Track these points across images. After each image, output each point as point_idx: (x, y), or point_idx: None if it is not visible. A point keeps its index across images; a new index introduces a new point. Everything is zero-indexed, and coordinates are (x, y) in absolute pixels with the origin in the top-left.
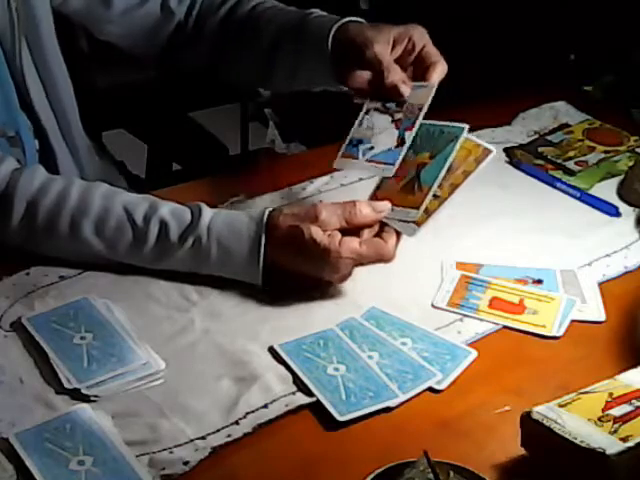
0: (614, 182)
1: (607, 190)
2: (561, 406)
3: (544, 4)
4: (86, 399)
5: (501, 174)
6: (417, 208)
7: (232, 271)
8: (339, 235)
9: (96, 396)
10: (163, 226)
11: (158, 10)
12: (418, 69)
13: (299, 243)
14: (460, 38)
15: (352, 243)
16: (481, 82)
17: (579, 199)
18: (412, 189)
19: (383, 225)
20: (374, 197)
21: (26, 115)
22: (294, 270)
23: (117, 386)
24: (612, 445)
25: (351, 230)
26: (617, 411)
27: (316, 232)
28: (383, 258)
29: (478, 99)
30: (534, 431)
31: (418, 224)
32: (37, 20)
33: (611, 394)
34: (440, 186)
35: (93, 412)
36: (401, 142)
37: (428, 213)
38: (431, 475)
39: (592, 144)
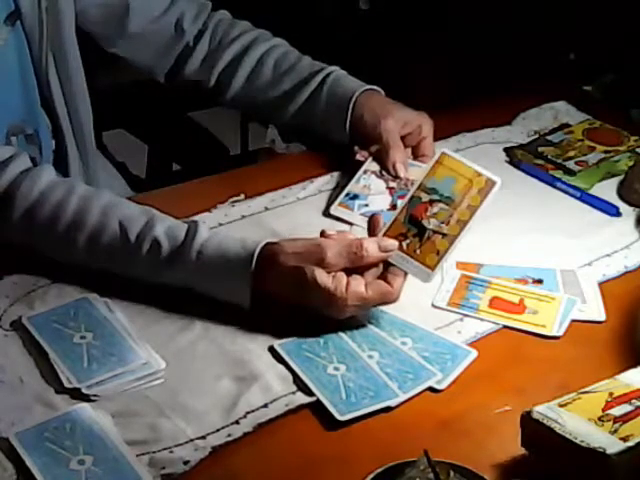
0: (614, 182)
1: (607, 190)
2: (561, 406)
3: (544, 4)
4: (86, 398)
5: (501, 174)
6: (432, 269)
7: (221, 298)
8: (345, 278)
9: (96, 395)
10: (155, 246)
11: (172, 29)
12: (415, 151)
13: (302, 285)
14: (460, 38)
15: (358, 288)
16: (481, 82)
17: (579, 199)
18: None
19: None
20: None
21: (46, 114)
22: (294, 303)
23: (117, 386)
24: (612, 445)
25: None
26: (617, 411)
27: (320, 276)
28: (388, 302)
29: (478, 99)
30: (534, 431)
31: (432, 269)
32: (62, 22)
33: (611, 394)
34: (447, 222)
35: (93, 411)
36: (393, 207)
37: (439, 255)
38: (431, 475)
39: (592, 144)
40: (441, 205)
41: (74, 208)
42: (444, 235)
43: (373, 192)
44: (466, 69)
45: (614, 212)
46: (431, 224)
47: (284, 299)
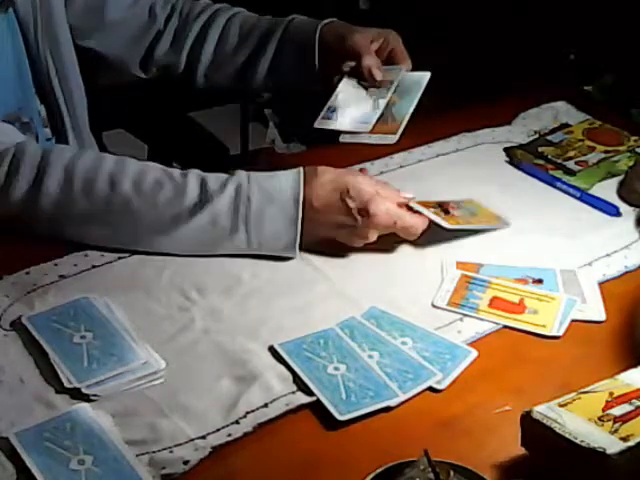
0: (614, 182)
1: (607, 190)
2: (561, 406)
3: (544, 4)
4: (86, 398)
5: (501, 174)
6: (394, 134)
7: (274, 214)
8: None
9: (96, 395)
10: (201, 179)
11: (147, 14)
12: (388, 64)
13: (342, 191)
14: (460, 38)
15: (394, 201)
16: (481, 82)
17: (579, 199)
18: (386, 122)
19: None
20: None
21: (43, 103)
22: (328, 224)
23: (117, 385)
24: (612, 445)
25: None
26: (617, 411)
27: (361, 180)
28: (413, 228)
29: (478, 99)
30: (534, 431)
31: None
32: (54, 9)
33: (611, 394)
34: (467, 219)
35: (93, 411)
36: (376, 107)
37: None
38: (431, 474)
39: (592, 144)
40: (464, 212)
41: (112, 159)
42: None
43: (353, 100)
44: (466, 69)
45: (614, 212)
46: (455, 212)
47: (325, 213)
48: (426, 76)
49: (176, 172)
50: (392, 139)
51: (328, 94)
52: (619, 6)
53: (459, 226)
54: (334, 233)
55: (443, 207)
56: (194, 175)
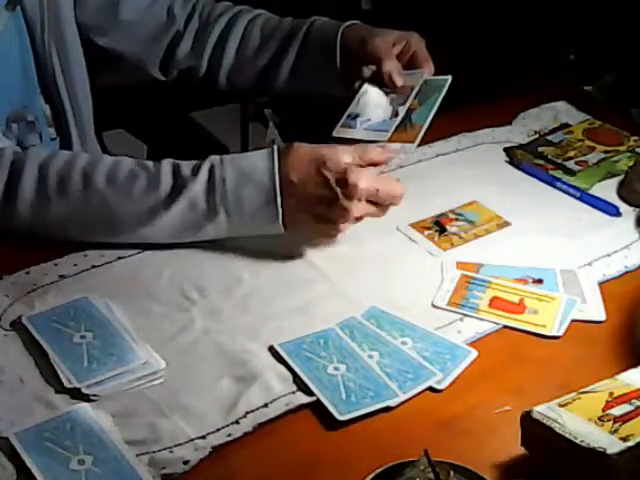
0: (614, 182)
1: (607, 190)
2: (561, 406)
3: (544, 4)
4: (86, 398)
5: (501, 174)
6: (412, 142)
7: (251, 192)
8: (357, 168)
9: (96, 395)
10: (175, 166)
11: (165, 15)
12: (410, 68)
13: (318, 167)
14: (460, 38)
15: (370, 176)
16: (481, 82)
17: (579, 199)
18: (405, 129)
19: None
20: None
21: (48, 102)
22: (308, 198)
23: (117, 385)
24: (613, 445)
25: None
26: (617, 411)
27: (336, 156)
28: (395, 195)
29: (478, 99)
30: (534, 431)
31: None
32: (62, 9)
33: (611, 394)
34: (466, 232)
35: (93, 411)
36: (395, 115)
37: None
38: (431, 474)
39: (592, 144)
40: (463, 223)
41: (86, 157)
42: (461, 238)
43: (373, 107)
44: (466, 69)
45: (614, 212)
46: (452, 229)
47: (301, 189)
48: (447, 80)
49: (149, 163)
50: (410, 148)
51: (332, 99)
52: (619, 6)
53: (453, 248)
54: (316, 210)
55: (440, 223)
56: (167, 163)
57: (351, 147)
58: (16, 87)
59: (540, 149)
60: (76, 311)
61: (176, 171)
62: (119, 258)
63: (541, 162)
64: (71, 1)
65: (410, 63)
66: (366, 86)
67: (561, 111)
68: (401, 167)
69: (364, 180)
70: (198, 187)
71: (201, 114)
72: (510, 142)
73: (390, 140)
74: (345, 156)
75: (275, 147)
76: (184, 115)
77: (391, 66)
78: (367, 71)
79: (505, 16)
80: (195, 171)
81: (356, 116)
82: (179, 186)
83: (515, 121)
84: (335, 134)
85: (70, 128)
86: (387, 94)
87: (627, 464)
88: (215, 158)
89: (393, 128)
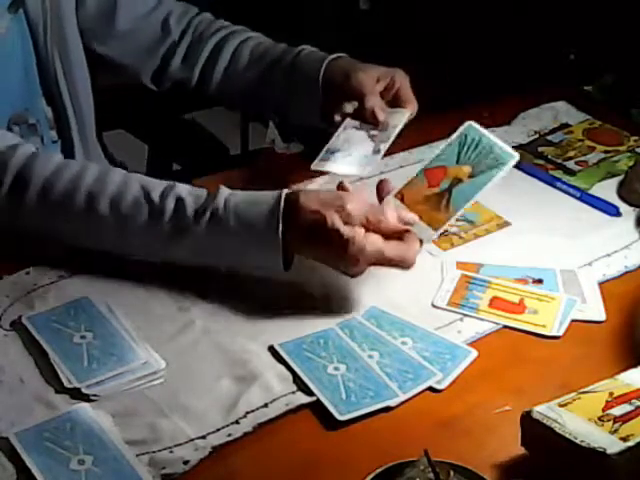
0: (614, 182)
1: (607, 190)
2: (561, 406)
3: (544, 4)
4: (86, 398)
5: None
6: (435, 230)
7: (251, 244)
8: (363, 231)
9: (96, 395)
10: (180, 202)
11: (159, 27)
12: (394, 107)
13: (321, 230)
14: (460, 38)
15: (377, 242)
16: (481, 82)
17: (579, 199)
18: (439, 204)
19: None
20: (399, 195)
21: (50, 105)
22: (312, 255)
23: (117, 385)
24: (612, 445)
25: (371, 230)
26: (617, 411)
27: (339, 223)
28: (404, 263)
29: (478, 99)
30: (534, 431)
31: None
32: (64, 11)
33: (611, 394)
34: (466, 232)
35: (93, 411)
36: (377, 152)
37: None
38: (431, 474)
39: (592, 144)
40: (463, 223)
41: (93, 176)
42: (461, 237)
43: (354, 142)
44: (466, 69)
45: (614, 212)
46: (452, 229)
47: (303, 246)
48: (514, 158)
49: (156, 192)
50: (430, 236)
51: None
52: (619, 6)
53: (453, 248)
54: (322, 259)
55: None
56: (172, 199)
57: (364, 208)
58: (18, 89)
59: (540, 149)
60: (76, 311)
61: (180, 210)
62: (119, 258)
63: (541, 162)
64: (73, 5)
65: (394, 101)
66: (348, 121)
67: (561, 111)
68: (401, 167)
69: (370, 249)
70: (198, 232)
71: (201, 114)
72: (510, 142)
73: (406, 189)
74: (351, 221)
75: (282, 205)
76: (184, 115)
77: (374, 102)
78: (349, 106)
79: (505, 16)
80: (199, 214)
81: (335, 151)
82: (180, 228)
83: (515, 121)
84: (313, 167)
85: (72, 131)
86: (368, 130)
87: (627, 464)
88: (219, 202)
89: (374, 164)
